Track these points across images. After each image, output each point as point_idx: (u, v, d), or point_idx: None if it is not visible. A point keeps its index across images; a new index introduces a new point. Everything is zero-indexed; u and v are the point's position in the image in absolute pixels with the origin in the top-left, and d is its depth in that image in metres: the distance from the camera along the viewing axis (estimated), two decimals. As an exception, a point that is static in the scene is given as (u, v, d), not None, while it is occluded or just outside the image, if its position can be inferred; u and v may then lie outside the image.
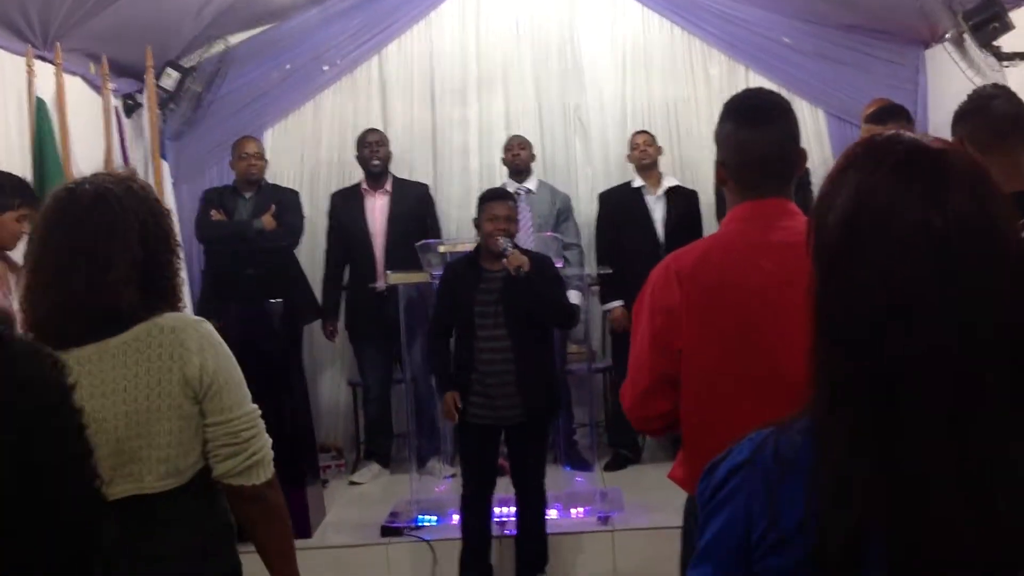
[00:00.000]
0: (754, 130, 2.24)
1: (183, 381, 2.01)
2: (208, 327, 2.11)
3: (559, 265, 5.07)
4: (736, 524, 1.15)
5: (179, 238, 2.24)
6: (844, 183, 1.14)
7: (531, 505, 4.48)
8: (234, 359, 2.12)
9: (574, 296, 5.55)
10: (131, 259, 2.02)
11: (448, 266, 4.65)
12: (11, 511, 1.09)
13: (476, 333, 4.31)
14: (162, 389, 2.00)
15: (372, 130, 6.30)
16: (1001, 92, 2.93)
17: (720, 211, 5.85)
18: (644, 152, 6.04)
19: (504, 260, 4.22)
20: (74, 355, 1.98)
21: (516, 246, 4.33)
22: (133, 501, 1.98)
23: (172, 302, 2.12)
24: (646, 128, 6.35)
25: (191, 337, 2.04)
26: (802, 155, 2.30)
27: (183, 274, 5.12)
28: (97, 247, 1.99)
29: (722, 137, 2.29)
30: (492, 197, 4.45)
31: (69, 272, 1.97)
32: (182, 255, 2.21)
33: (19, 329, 1.90)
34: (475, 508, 4.44)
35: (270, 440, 2.15)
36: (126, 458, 1.98)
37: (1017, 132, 2.77)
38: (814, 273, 1.17)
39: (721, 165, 2.29)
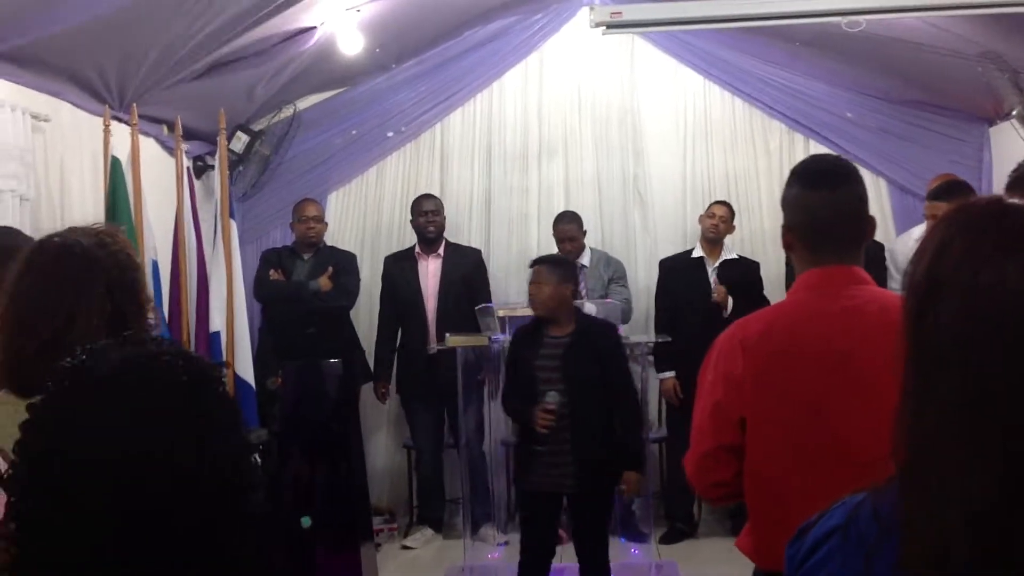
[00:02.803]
0: (822, 193, 2.23)
1: None
2: None
3: (608, 302, 5.30)
4: None
5: (154, 294, 2.25)
6: (931, 242, 1.12)
7: None
8: None
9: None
10: (97, 312, 2.03)
11: (516, 331, 4.71)
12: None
13: (536, 398, 4.31)
14: None
15: (428, 197, 6.37)
16: None
17: (790, 281, 5.81)
18: (716, 227, 6.05)
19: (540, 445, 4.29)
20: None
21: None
22: None
23: None
24: (720, 199, 6.38)
25: None
26: (871, 222, 2.29)
27: (243, 332, 5.16)
28: (62, 299, 2.02)
29: (789, 200, 2.29)
30: (533, 263, 4.56)
31: (33, 323, 2.00)
32: (154, 311, 2.23)
33: None
34: (529, 573, 4.39)
35: None
36: None
37: None
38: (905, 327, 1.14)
39: (788, 229, 2.28)
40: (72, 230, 2.15)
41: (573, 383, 4.28)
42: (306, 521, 4.94)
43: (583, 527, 4.40)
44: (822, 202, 2.22)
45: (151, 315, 2.18)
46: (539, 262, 4.54)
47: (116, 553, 1.14)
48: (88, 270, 2.06)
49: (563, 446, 4.27)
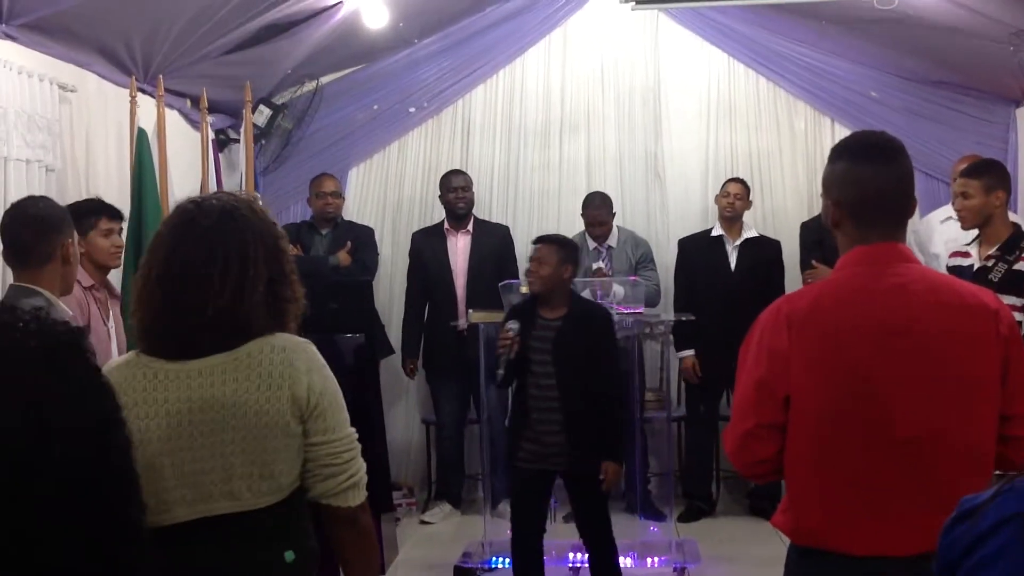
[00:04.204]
0: (872, 165, 2.20)
1: (292, 400, 2.01)
2: (314, 349, 2.12)
3: (632, 280, 5.39)
4: None
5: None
6: None
7: (601, 556, 4.41)
8: (336, 382, 2.13)
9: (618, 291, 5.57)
10: (262, 276, 2.04)
11: (511, 308, 4.71)
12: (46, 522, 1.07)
13: (529, 378, 4.35)
14: (271, 407, 1.99)
15: (458, 173, 6.34)
16: None
17: (804, 262, 5.80)
18: (732, 205, 6.02)
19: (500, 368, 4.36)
20: (185, 367, 2.00)
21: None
22: (229, 517, 1.99)
23: (285, 323, 2.12)
24: (733, 176, 6.33)
25: (300, 358, 2.05)
26: (914, 201, 2.28)
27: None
28: (230, 261, 2.01)
29: (836, 176, 2.26)
30: (536, 241, 4.56)
31: (201, 284, 1.99)
32: (298, 280, 2.20)
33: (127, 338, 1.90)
34: (524, 552, 4.43)
35: (364, 464, 2.15)
36: (228, 474, 1.98)
37: None
38: None
39: (836, 205, 2.24)
40: (221, 194, 2.14)
41: (562, 365, 4.30)
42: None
43: (582, 506, 4.42)
44: (874, 176, 2.19)
45: (295, 286, 2.15)
46: (542, 240, 4.53)
47: None
48: (252, 235, 2.05)
49: (553, 426, 4.30)
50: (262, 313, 2.04)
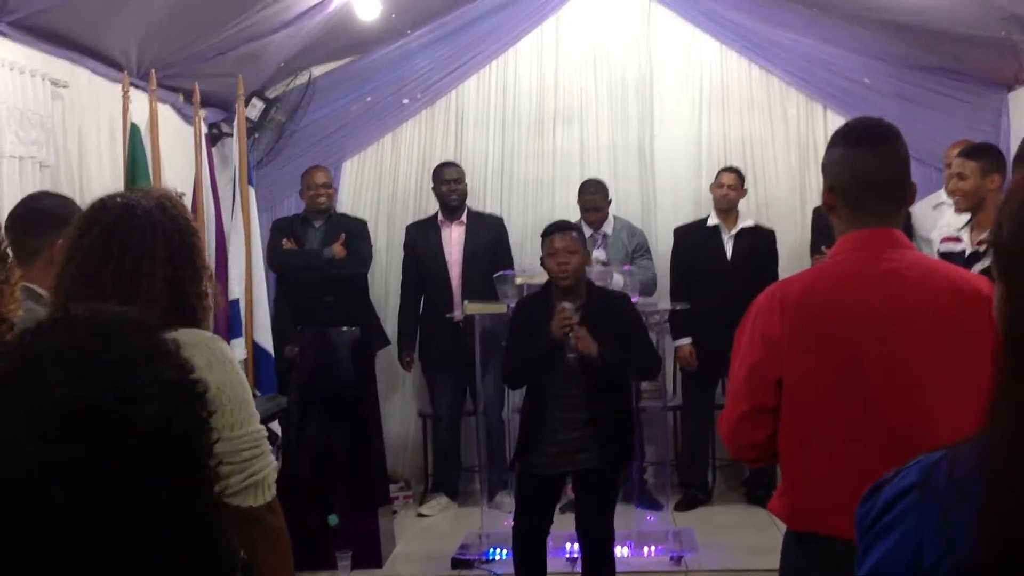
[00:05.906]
0: (866, 150, 2.22)
1: None
2: (221, 345, 2.11)
3: (626, 268, 5.35)
4: (906, 548, 1.11)
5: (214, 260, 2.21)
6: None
7: (598, 560, 4.26)
8: (245, 379, 2.11)
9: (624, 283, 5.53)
10: (159, 273, 2.03)
11: (521, 302, 4.60)
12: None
13: (549, 377, 4.16)
14: None
15: (450, 165, 6.33)
16: None
17: (815, 248, 5.79)
18: (726, 196, 6.00)
19: (570, 352, 4.05)
20: None
21: (592, 288, 4.26)
22: None
23: (192, 321, 2.10)
24: (726, 165, 6.30)
25: (200, 353, 1.98)
26: (912, 187, 2.28)
27: (262, 299, 5.15)
28: (124, 258, 2.00)
29: (833, 160, 2.27)
30: (550, 231, 4.27)
31: (94, 281, 1.98)
32: (211, 278, 2.18)
33: None
34: (527, 546, 4.29)
35: (274, 463, 2.12)
36: None
37: None
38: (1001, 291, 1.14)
39: (830, 190, 2.26)
40: (132, 192, 2.13)
41: (588, 360, 4.07)
42: (333, 519, 4.93)
43: (591, 507, 4.25)
44: (867, 160, 2.21)
45: (208, 283, 2.14)
46: (559, 229, 4.25)
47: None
48: (151, 232, 2.04)
49: (578, 422, 4.12)
50: (158, 310, 2.01)
